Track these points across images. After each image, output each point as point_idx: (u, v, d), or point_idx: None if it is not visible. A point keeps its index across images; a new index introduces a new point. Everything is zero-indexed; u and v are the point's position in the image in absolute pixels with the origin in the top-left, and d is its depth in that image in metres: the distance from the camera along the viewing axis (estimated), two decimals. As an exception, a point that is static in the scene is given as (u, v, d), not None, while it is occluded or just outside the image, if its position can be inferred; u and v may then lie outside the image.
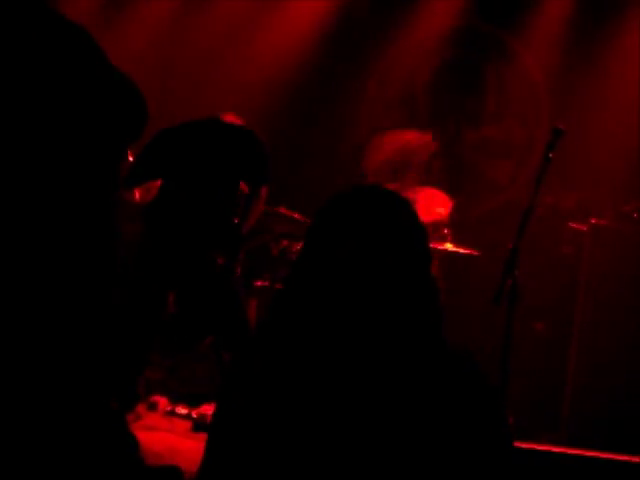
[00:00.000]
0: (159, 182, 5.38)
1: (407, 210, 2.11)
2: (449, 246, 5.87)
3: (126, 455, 2.89)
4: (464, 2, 7.20)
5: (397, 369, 1.98)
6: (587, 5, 6.97)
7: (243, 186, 5.41)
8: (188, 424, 5.35)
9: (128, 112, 2.58)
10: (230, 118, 5.43)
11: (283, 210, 6.18)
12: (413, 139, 6.36)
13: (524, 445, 4.14)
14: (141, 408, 5.52)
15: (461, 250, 5.92)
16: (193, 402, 5.75)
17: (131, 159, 5.30)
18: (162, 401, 5.84)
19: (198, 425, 5.29)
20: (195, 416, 5.49)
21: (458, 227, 6.15)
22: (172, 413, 5.72)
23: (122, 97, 2.59)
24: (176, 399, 5.89)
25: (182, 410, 5.72)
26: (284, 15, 7.25)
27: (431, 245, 2.20)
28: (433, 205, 6.09)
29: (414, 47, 7.32)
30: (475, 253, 6.00)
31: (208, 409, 5.51)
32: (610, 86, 6.93)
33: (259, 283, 6.25)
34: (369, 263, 2.02)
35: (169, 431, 4.86)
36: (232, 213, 5.30)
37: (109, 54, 2.59)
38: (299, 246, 6.19)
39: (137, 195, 5.44)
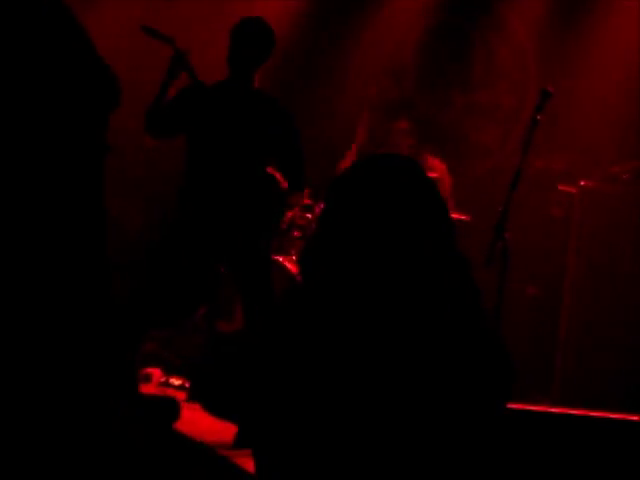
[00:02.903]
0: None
1: (427, 180, 2.09)
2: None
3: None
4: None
5: (432, 342, 1.98)
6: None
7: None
8: (182, 394, 5.37)
9: (103, 85, 2.94)
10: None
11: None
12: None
13: (517, 406, 4.15)
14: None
15: (452, 216, 5.93)
16: (187, 373, 5.76)
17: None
18: (156, 372, 5.86)
19: (192, 395, 5.31)
20: (189, 386, 5.51)
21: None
22: (166, 384, 5.74)
23: (96, 71, 2.94)
24: (170, 370, 5.90)
25: (176, 381, 5.74)
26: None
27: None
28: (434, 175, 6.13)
29: (400, 14, 7.28)
30: (465, 218, 6.00)
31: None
32: (598, 50, 6.92)
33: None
34: (396, 234, 2.00)
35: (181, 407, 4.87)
36: (271, 183, 5.03)
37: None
38: (307, 216, 6.18)
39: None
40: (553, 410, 4.52)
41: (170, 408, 4.69)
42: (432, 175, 6.10)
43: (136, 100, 6.57)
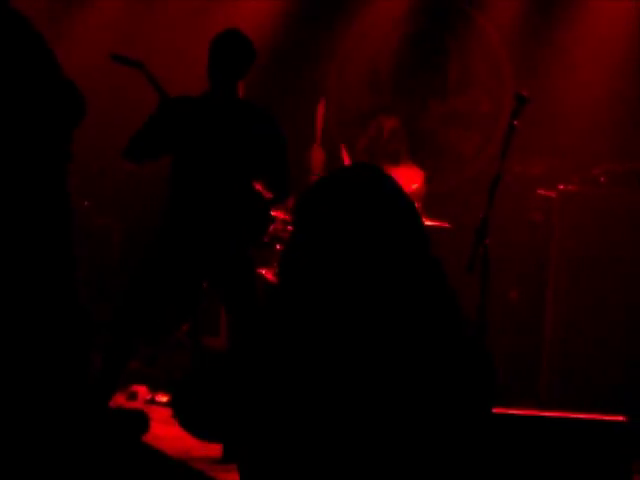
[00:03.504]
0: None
1: (397, 191, 2.10)
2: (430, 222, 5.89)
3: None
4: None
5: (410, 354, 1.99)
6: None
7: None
8: (168, 411, 5.35)
9: (67, 102, 3.17)
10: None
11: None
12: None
13: (504, 411, 4.16)
14: (121, 398, 5.51)
15: (433, 223, 5.93)
16: (172, 389, 5.74)
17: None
18: (142, 390, 5.84)
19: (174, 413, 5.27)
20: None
21: (428, 200, 6.16)
22: (152, 402, 5.71)
23: (61, 89, 3.18)
24: (156, 387, 5.88)
25: (162, 398, 5.71)
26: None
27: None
28: (409, 181, 6.12)
29: (374, 23, 7.31)
30: (446, 225, 6.01)
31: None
32: (573, 52, 6.96)
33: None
34: (366, 242, 2.01)
35: (150, 419, 4.86)
36: (256, 197, 5.00)
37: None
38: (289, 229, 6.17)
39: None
40: (539, 414, 4.54)
41: (139, 421, 4.68)
42: (413, 185, 6.12)
43: (119, 120, 6.64)
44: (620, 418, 4.35)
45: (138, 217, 7.02)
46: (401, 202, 2.08)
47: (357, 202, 2.04)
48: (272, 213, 5.19)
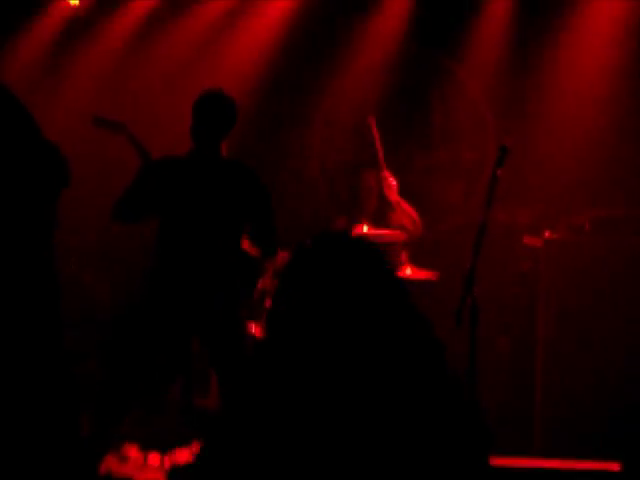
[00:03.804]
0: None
1: (377, 259, 2.16)
2: (409, 272, 5.87)
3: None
4: (403, 28, 7.26)
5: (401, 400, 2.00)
6: (523, 20, 7.06)
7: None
8: (160, 475, 5.29)
9: (52, 167, 3.21)
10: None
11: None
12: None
13: (499, 461, 4.14)
14: (112, 461, 5.45)
15: (419, 276, 5.92)
16: (164, 448, 5.68)
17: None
18: (133, 450, 5.77)
19: (171, 475, 5.23)
20: (167, 466, 5.42)
21: (412, 250, 6.16)
22: (144, 465, 5.65)
23: (46, 154, 3.22)
24: (147, 446, 5.82)
25: (154, 461, 5.65)
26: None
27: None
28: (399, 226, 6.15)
29: (358, 78, 7.37)
30: (432, 278, 5.99)
31: (181, 456, 5.46)
32: (551, 97, 7.02)
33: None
34: (351, 307, 2.07)
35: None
36: (242, 254, 5.02)
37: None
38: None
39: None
40: (534, 464, 4.52)
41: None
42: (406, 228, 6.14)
43: (105, 177, 6.67)
44: (615, 466, 4.34)
45: (124, 274, 7.03)
46: (380, 270, 2.15)
47: (338, 269, 2.12)
48: (260, 269, 5.20)
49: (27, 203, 3.07)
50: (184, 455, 5.44)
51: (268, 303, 6.08)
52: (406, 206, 6.29)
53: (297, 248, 2.21)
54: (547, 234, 5.85)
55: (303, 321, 2.06)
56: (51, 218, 3.21)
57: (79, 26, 7.34)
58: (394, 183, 6.26)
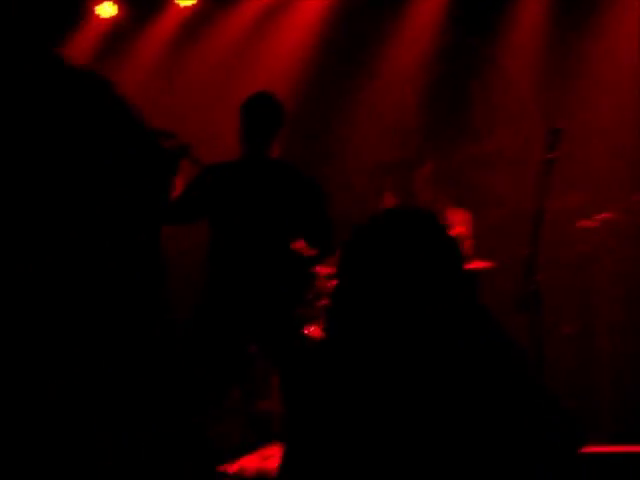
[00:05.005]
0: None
1: (444, 234, 2.08)
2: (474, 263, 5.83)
3: None
4: (441, 19, 7.23)
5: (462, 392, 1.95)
6: (562, 5, 6.99)
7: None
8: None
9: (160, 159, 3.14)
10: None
11: None
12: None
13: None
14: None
15: (480, 265, 5.87)
16: (227, 458, 5.66)
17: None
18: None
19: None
20: (233, 473, 5.40)
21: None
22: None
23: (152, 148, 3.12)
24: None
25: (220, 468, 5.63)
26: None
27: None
28: (453, 225, 6.11)
29: (399, 71, 7.35)
30: (491, 266, 5.94)
31: (247, 462, 5.44)
32: (595, 79, 6.93)
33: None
34: (414, 295, 1.98)
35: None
36: (294, 256, 5.02)
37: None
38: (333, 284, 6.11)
39: None
40: (609, 449, 4.45)
41: None
42: (457, 230, 6.08)
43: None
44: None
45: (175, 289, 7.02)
46: (444, 247, 2.04)
47: (402, 250, 2.01)
48: (316, 269, 5.18)
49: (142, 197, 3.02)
50: (251, 461, 5.43)
51: (323, 303, 6.07)
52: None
53: (356, 227, 2.13)
54: (603, 215, 5.77)
55: (368, 301, 1.99)
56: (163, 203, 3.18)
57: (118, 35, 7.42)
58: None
